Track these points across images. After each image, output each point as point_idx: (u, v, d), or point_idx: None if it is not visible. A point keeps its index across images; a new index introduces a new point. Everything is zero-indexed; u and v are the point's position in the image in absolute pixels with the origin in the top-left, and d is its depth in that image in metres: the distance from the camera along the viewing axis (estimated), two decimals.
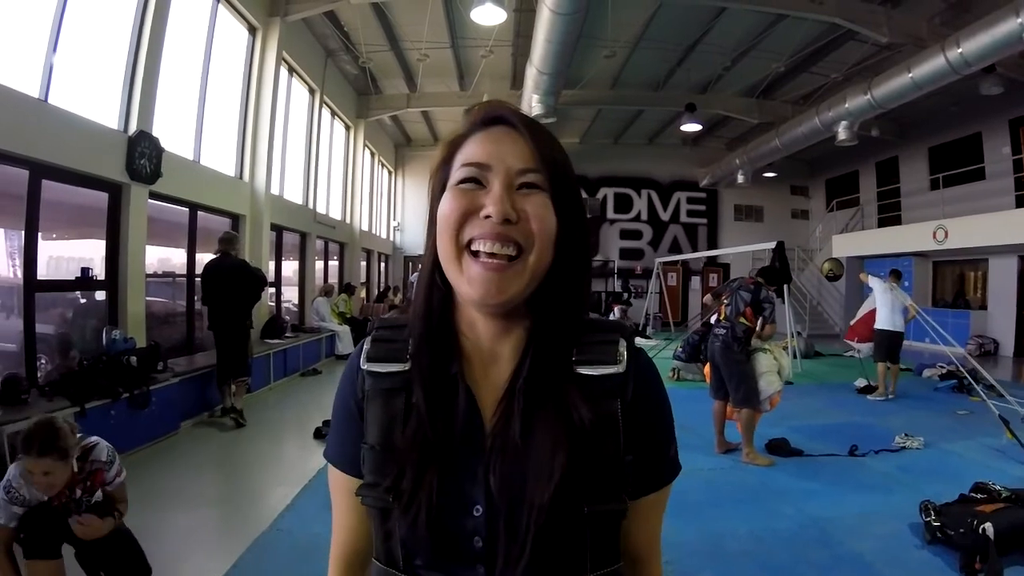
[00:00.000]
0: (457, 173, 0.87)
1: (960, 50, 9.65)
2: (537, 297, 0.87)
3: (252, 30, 10.25)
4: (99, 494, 2.94)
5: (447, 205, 0.85)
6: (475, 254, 0.82)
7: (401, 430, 0.86)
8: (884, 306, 9.28)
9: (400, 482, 0.83)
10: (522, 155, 0.85)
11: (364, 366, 0.92)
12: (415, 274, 11.81)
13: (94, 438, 2.98)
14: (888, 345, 9.14)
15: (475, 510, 0.82)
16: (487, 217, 0.81)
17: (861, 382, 9.74)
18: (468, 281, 0.83)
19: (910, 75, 10.90)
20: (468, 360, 0.90)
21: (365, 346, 0.94)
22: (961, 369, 8.53)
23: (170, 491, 4.56)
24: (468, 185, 0.85)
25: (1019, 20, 8.51)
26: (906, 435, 6.45)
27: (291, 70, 12.21)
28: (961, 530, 3.79)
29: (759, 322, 5.88)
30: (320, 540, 3.93)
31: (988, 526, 3.65)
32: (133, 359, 5.92)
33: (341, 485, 0.96)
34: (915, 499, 4.36)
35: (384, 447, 0.87)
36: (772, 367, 5.91)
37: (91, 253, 6.90)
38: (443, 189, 0.89)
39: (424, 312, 0.91)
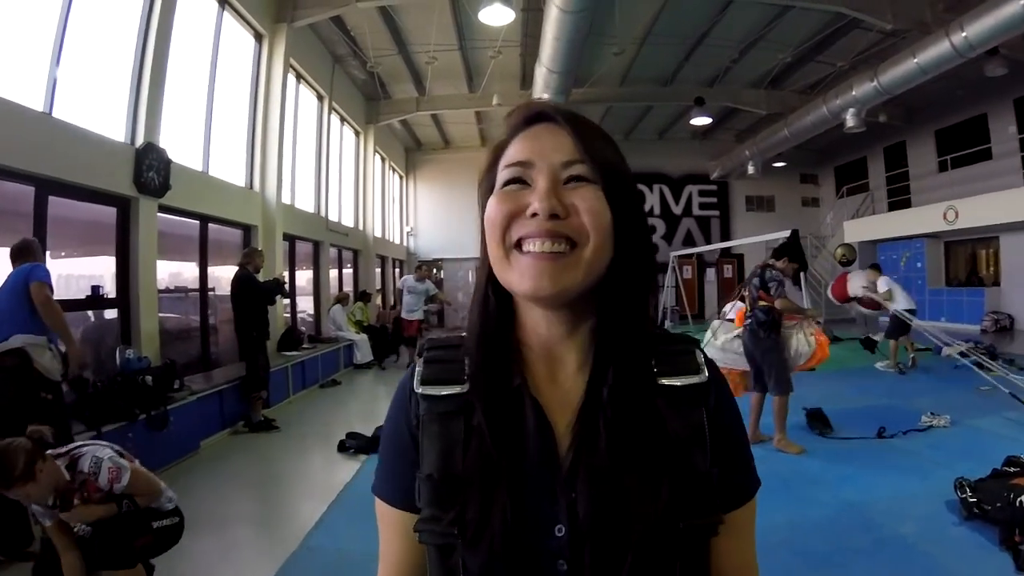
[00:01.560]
0: (501, 176, 0.83)
1: (964, 34, 9.84)
2: (600, 296, 0.82)
3: (259, 37, 10.17)
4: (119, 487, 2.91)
5: (492, 209, 0.81)
6: (525, 252, 0.78)
7: (462, 456, 0.79)
8: (897, 294, 9.86)
9: (465, 512, 0.76)
10: (565, 148, 0.80)
11: (419, 389, 0.85)
12: (404, 277, 12.49)
13: (84, 448, 2.93)
14: (900, 325, 9.59)
15: (557, 530, 0.76)
16: (534, 215, 0.77)
17: (881, 364, 10.11)
18: (520, 274, 0.78)
19: (915, 60, 11.09)
20: (531, 371, 0.85)
21: (418, 368, 0.87)
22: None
23: (195, 513, 4.37)
24: (513, 187, 0.81)
25: (1022, 2, 8.59)
26: (932, 414, 6.48)
27: (299, 77, 12.16)
28: (998, 504, 3.78)
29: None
30: (354, 557, 3.87)
31: None
32: (149, 379, 5.78)
33: (392, 522, 0.87)
34: (948, 477, 4.36)
35: (444, 476, 0.79)
36: (802, 344, 6.05)
37: (101, 270, 6.76)
38: (489, 196, 0.85)
39: (480, 325, 0.86)
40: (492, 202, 0.82)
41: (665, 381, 0.82)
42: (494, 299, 0.86)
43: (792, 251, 6.42)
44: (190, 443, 6.24)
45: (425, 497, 0.80)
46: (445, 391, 0.83)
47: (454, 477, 0.78)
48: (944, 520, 4.08)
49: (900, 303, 9.68)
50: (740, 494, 0.87)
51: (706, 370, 0.85)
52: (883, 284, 10.01)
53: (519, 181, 0.81)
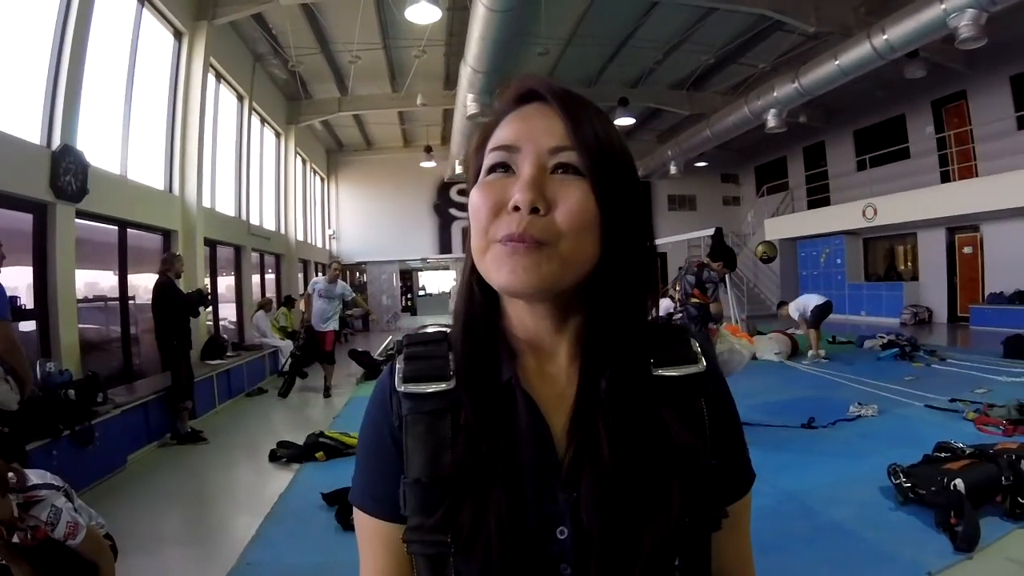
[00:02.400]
0: (487, 160, 0.78)
1: (886, 37, 10.11)
2: (589, 293, 0.77)
3: (178, 35, 9.85)
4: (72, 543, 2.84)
5: (475, 200, 0.76)
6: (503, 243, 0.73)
7: (449, 458, 0.75)
8: (808, 302, 10.76)
9: (458, 517, 0.71)
10: (555, 132, 0.75)
11: (401, 388, 0.79)
12: (314, 280, 10.34)
13: (43, 492, 2.81)
14: (824, 313, 10.62)
15: (559, 532, 0.72)
16: (516, 209, 0.71)
17: (807, 359, 10.44)
18: (497, 265, 0.73)
19: (837, 62, 11.36)
20: (521, 363, 0.81)
21: (398, 365, 0.81)
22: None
23: (127, 532, 4.17)
24: (497, 174, 0.76)
25: (943, 7, 8.89)
26: (860, 404, 6.70)
27: (219, 76, 11.85)
28: (933, 488, 3.93)
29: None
30: (296, 570, 3.76)
31: (959, 482, 3.80)
32: (71, 392, 5.49)
33: (375, 535, 0.81)
34: (881, 464, 4.48)
35: (432, 480, 0.74)
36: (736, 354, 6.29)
37: (16, 281, 6.40)
38: (476, 179, 0.80)
39: (466, 317, 0.82)
40: (475, 192, 0.77)
41: (663, 372, 0.79)
42: (479, 289, 0.81)
43: (728, 255, 6.68)
44: (116, 459, 5.95)
45: (412, 504, 0.75)
46: (430, 388, 0.78)
47: (444, 480, 0.73)
48: (881, 505, 4.21)
49: (812, 303, 10.54)
50: (738, 487, 0.85)
51: (703, 360, 0.83)
52: (793, 311, 10.91)
53: (504, 167, 0.75)
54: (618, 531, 0.71)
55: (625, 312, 0.79)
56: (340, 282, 10.29)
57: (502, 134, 0.77)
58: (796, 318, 10.82)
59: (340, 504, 4.46)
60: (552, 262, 0.71)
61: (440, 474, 0.74)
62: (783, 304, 11.65)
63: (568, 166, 0.73)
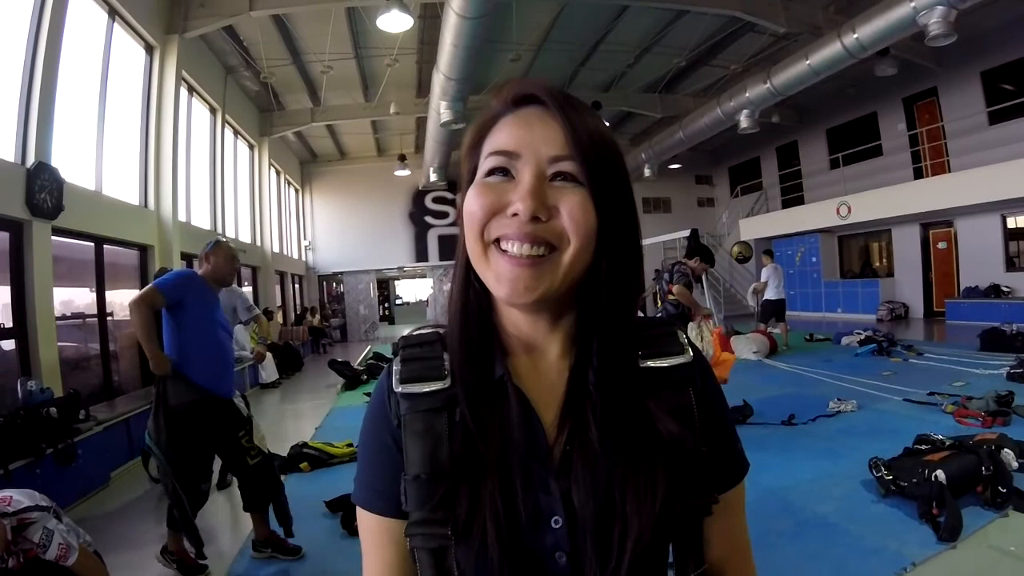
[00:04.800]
0: (485, 163, 0.79)
1: (856, 35, 10.17)
2: (582, 294, 0.80)
3: (149, 49, 9.75)
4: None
5: (473, 201, 0.77)
6: (504, 251, 0.75)
7: (447, 453, 0.77)
8: (772, 282, 11.63)
9: (455, 509, 0.74)
10: (556, 140, 0.76)
11: (399, 389, 0.82)
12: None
13: (35, 514, 2.80)
14: (775, 310, 11.58)
15: (554, 522, 0.74)
16: (515, 215, 0.73)
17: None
18: (496, 277, 0.76)
19: (808, 62, 11.41)
20: (513, 360, 0.83)
21: (395, 367, 0.84)
22: None
23: (113, 554, 4.14)
24: (496, 177, 0.77)
25: (912, 4, 8.97)
26: (839, 400, 6.80)
27: (191, 89, 11.73)
28: (914, 480, 3.99)
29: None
30: None
31: (940, 473, 3.87)
32: (53, 410, 5.42)
33: (378, 531, 0.83)
34: (862, 458, 4.59)
35: (431, 474, 0.77)
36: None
37: None
38: (471, 180, 0.81)
39: (461, 316, 0.83)
40: (472, 194, 0.78)
41: (651, 363, 0.82)
42: (473, 290, 0.83)
43: (703, 252, 6.77)
44: (100, 476, 5.89)
45: (413, 499, 0.77)
46: (427, 388, 0.81)
47: (442, 474, 0.76)
48: (863, 498, 4.26)
49: (769, 292, 11.55)
50: (731, 475, 0.87)
51: (690, 351, 0.85)
52: (764, 273, 11.84)
53: (502, 171, 0.76)
54: (609, 517, 0.73)
55: (616, 310, 0.80)
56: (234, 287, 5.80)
57: (501, 139, 0.78)
58: (762, 278, 11.85)
59: (344, 511, 4.47)
60: (554, 274, 0.74)
61: (438, 468, 0.76)
62: (768, 255, 12.28)
63: (567, 176, 0.75)
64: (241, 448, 4.02)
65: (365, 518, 0.84)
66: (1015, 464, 4.12)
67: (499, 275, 0.75)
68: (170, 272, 4.05)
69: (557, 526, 0.74)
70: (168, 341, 3.83)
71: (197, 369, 3.82)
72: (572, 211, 0.74)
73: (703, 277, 9.57)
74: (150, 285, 3.74)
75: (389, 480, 0.80)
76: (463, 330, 0.82)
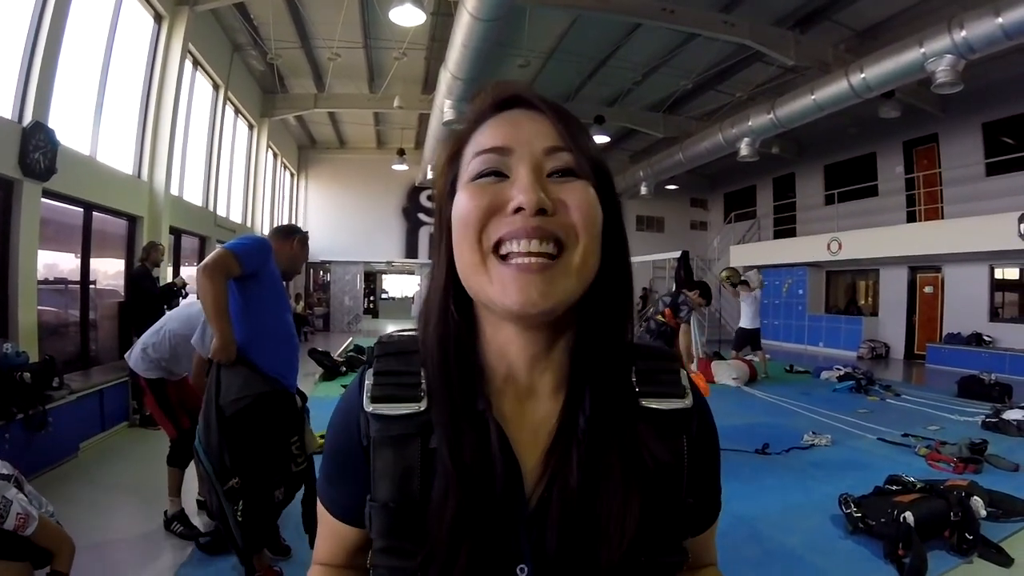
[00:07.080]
0: (471, 166, 0.72)
1: (863, 75, 10.15)
2: (582, 310, 0.73)
3: (159, 18, 9.68)
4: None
5: (464, 204, 0.70)
6: (504, 258, 0.68)
7: (418, 483, 0.71)
8: (747, 310, 11.66)
9: (426, 546, 0.69)
10: (548, 133, 0.71)
11: (369, 408, 0.75)
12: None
13: None
14: (750, 338, 11.54)
15: (519, 570, 0.69)
16: (517, 211, 0.67)
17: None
18: (502, 288, 0.67)
19: (813, 97, 11.39)
20: (497, 393, 0.76)
21: (367, 381, 0.77)
22: None
23: (76, 528, 4.06)
24: (487, 179, 0.70)
25: (922, 50, 8.99)
26: (813, 433, 6.78)
27: (196, 63, 11.66)
28: (882, 520, 4.00)
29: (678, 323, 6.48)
30: None
31: (908, 515, 3.86)
32: (27, 375, 5.34)
33: (335, 530, 0.84)
34: (832, 493, 4.57)
35: (400, 506, 0.72)
36: None
37: None
38: (452, 192, 0.74)
39: (439, 344, 0.75)
40: (463, 197, 0.71)
41: (649, 404, 0.75)
42: (455, 311, 0.75)
43: (703, 288, 6.80)
44: (69, 446, 5.81)
45: (379, 527, 0.73)
46: (400, 410, 0.74)
47: (412, 506, 0.71)
48: (830, 533, 4.27)
49: (744, 320, 11.62)
50: (707, 519, 0.85)
51: (691, 394, 0.79)
52: (745, 302, 11.79)
53: (495, 173, 0.70)
54: (574, 559, 0.69)
55: (613, 332, 0.76)
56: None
57: (487, 138, 0.73)
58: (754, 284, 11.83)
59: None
60: (568, 278, 0.68)
61: (409, 499, 0.72)
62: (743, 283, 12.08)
63: (567, 171, 0.71)
64: (289, 454, 3.40)
65: (325, 514, 0.84)
66: (983, 512, 4.14)
67: (505, 284, 0.67)
68: (244, 237, 3.33)
69: (522, 574, 0.69)
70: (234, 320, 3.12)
71: (267, 355, 3.21)
72: (580, 203, 0.69)
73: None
74: (222, 248, 3.05)
75: (353, 497, 0.77)
76: (442, 357, 0.75)
